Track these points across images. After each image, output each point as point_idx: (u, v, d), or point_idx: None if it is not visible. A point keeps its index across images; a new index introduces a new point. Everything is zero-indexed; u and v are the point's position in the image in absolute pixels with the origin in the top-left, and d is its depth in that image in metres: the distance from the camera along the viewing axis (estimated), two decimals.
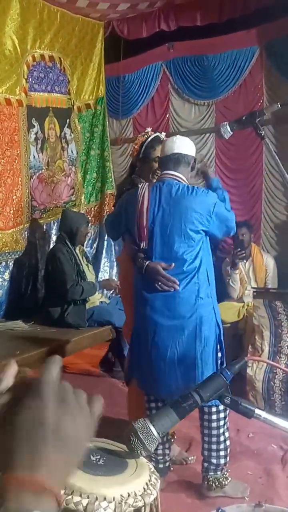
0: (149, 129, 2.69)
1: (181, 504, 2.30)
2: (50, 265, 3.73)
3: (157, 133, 2.68)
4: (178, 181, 2.26)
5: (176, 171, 2.28)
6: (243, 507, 1.06)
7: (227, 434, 2.33)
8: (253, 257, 4.07)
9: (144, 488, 0.89)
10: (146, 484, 0.90)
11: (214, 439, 2.29)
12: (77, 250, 3.85)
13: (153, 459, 2.27)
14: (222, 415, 2.28)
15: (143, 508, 0.88)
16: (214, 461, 2.30)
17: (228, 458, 2.35)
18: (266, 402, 3.06)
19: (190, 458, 2.62)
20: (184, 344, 2.18)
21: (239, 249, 3.92)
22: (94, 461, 0.93)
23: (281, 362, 2.84)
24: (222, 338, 2.28)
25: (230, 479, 2.33)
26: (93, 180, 4.93)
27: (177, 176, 2.27)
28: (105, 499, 0.84)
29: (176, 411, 1.07)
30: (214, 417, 2.26)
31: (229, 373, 1.14)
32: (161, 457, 2.36)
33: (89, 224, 3.95)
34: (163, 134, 2.76)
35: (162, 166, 2.35)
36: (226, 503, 2.10)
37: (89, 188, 4.91)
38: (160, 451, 2.35)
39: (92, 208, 4.91)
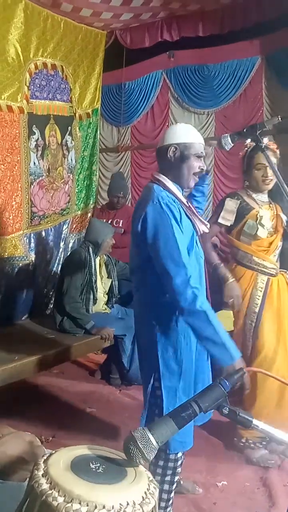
0: (248, 141, 2.61)
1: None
2: (65, 265, 3.76)
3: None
4: (154, 182, 2.01)
5: (159, 171, 2.04)
6: None
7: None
8: None
9: (142, 497, 0.89)
10: (145, 493, 0.90)
11: None
12: (97, 260, 3.84)
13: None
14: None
15: None
16: None
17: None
18: None
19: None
20: None
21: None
22: (94, 469, 0.93)
23: None
24: None
25: None
26: (80, 190, 4.99)
27: (154, 178, 2.03)
28: (104, 507, 0.85)
29: (175, 421, 1.08)
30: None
31: (227, 383, 1.15)
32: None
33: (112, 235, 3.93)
34: (265, 139, 2.75)
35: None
36: None
37: (78, 196, 4.96)
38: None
39: (78, 217, 4.95)
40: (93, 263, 3.75)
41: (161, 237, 1.86)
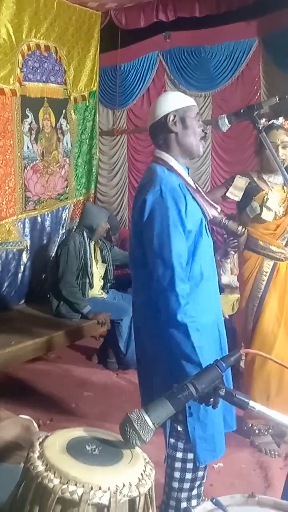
0: (263, 120, 2.51)
1: None
2: (60, 250, 3.75)
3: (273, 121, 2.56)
4: (157, 164, 1.80)
5: (158, 148, 1.83)
6: (237, 498, 1.07)
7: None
8: None
9: (139, 478, 0.90)
10: (141, 474, 0.90)
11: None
12: (91, 245, 3.83)
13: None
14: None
15: (138, 498, 0.88)
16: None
17: None
18: None
19: None
20: None
21: (231, 238, 3.92)
22: (90, 451, 0.93)
23: None
24: None
25: None
26: (81, 175, 4.93)
27: (156, 157, 1.82)
28: (100, 488, 0.85)
29: (171, 402, 1.08)
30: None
31: (224, 365, 1.15)
32: None
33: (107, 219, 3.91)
34: (281, 119, 2.56)
35: None
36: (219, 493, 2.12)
37: (78, 181, 4.90)
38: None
39: (80, 203, 4.90)
40: (88, 248, 3.75)
41: (156, 232, 1.67)
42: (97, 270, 3.90)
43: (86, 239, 3.75)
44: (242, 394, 1.12)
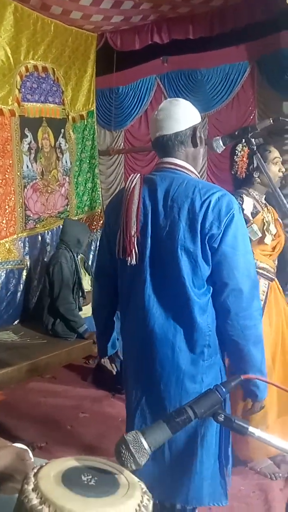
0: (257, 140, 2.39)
1: None
2: (52, 268, 3.76)
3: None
4: (179, 171, 1.63)
5: (174, 157, 1.64)
6: None
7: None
8: None
9: (136, 510, 0.87)
10: (138, 505, 0.88)
11: None
12: (78, 259, 3.88)
13: None
14: None
15: None
16: None
17: None
18: None
19: None
20: None
21: None
22: (86, 482, 0.90)
23: None
24: None
25: None
26: (82, 193, 4.96)
27: (177, 165, 1.63)
28: None
29: (169, 426, 1.06)
30: None
31: (224, 390, 1.13)
32: None
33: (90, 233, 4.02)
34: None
35: (156, 151, 1.74)
36: None
37: (79, 199, 4.92)
38: None
39: (83, 221, 4.92)
40: (77, 262, 3.81)
41: (241, 247, 1.53)
42: (88, 284, 3.93)
43: (73, 253, 3.78)
44: (242, 420, 1.10)
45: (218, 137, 1.96)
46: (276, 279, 2.71)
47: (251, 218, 2.50)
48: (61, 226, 4.68)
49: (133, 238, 1.59)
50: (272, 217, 2.63)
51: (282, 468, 2.67)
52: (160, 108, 1.66)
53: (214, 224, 1.50)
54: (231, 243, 1.52)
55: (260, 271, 2.63)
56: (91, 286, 4.00)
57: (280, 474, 2.64)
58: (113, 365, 2.07)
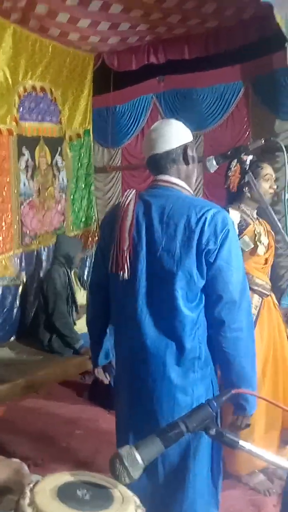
0: (250, 157, 2.43)
1: None
2: (46, 284, 3.79)
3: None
4: (173, 188, 1.67)
5: (168, 175, 1.68)
6: None
7: None
8: None
9: None
10: None
11: None
12: (71, 273, 3.90)
13: None
14: None
15: None
16: None
17: None
18: None
19: None
20: None
21: None
22: (81, 496, 0.92)
23: None
24: None
25: None
26: (78, 209, 5.02)
27: (171, 183, 1.67)
28: None
29: (161, 440, 1.08)
30: None
31: (215, 404, 1.15)
32: None
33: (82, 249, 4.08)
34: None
35: (149, 170, 1.78)
36: None
37: (75, 216, 4.98)
38: None
39: (79, 237, 4.96)
40: (71, 277, 3.88)
41: (234, 257, 1.58)
42: (83, 298, 3.95)
43: (66, 268, 3.82)
44: (232, 434, 1.12)
45: (211, 157, 2.00)
46: (272, 294, 2.73)
47: (237, 230, 2.55)
48: None
49: (125, 252, 1.61)
50: (264, 229, 2.67)
51: (275, 483, 2.67)
52: (153, 128, 1.73)
53: (211, 239, 1.54)
54: (226, 258, 1.56)
55: (256, 287, 2.65)
56: (86, 300, 4.03)
57: (274, 490, 2.63)
58: (106, 374, 2.06)
